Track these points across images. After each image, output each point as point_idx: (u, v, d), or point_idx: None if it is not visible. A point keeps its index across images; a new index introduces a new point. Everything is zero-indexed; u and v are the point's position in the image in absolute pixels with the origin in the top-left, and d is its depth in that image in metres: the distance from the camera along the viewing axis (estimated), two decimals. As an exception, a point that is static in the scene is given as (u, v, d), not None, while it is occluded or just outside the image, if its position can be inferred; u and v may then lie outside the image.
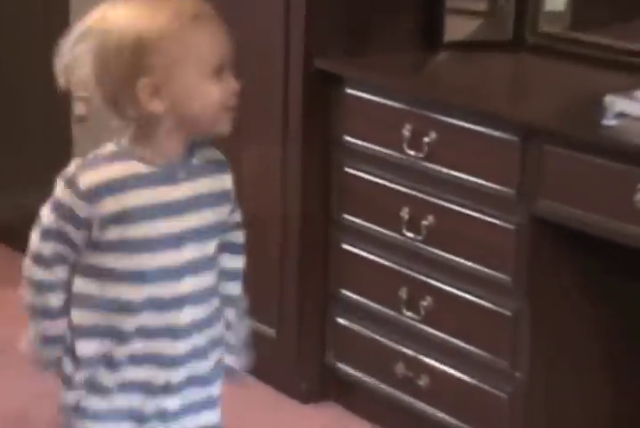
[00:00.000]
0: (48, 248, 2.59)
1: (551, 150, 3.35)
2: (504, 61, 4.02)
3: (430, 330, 3.78)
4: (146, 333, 2.59)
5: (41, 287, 2.64)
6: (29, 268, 2.62)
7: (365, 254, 4.00)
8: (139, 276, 2.59)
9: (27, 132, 5.27)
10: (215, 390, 2.79)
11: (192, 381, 2.69)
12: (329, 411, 4.10)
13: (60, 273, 2.62)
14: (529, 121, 3.42)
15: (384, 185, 3.85)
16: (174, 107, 2.49)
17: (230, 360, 2.85)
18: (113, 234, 2.55)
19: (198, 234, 2.64)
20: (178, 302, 2.60)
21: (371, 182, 3.87)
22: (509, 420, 3.58)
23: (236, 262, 2.81)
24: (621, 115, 3.28)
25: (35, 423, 4.00)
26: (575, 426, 3.66)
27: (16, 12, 5.22)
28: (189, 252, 2.61)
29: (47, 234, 2.58)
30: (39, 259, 2.61)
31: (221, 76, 2.51)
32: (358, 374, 4.04)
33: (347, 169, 3.99)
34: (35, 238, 2.60)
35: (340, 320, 4.12)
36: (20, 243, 3.50)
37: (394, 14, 4.00)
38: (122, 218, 2.54)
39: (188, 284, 2.61)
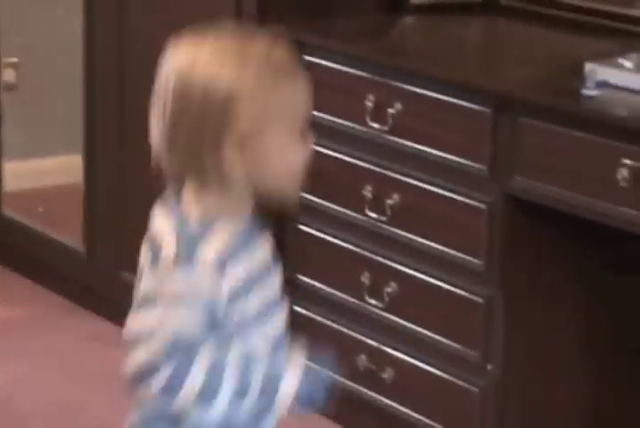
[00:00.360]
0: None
1: (526, 122, 3.31)
2: (475, 26, 3.98)
3: (395, 319, 3.68)
4: None
5: None
6: None
7: (324, 236, 3.89)
8: None
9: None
10: None
11: None
12: None
13: None
14: (503, 91, 3.40)
15: (345, 161, 3.78)
16: (258, 168, 2.32)
17: None
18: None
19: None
20: None
21: (330, 157, 3.78)
22: (480, 417, 3.54)
23: None
24: (603, 84, 3.25)
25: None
26: (552, 422, 3.61)
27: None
28: None
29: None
30: None
31: (304, 133, 2.35)
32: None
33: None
34: None
35: (297, 308, 3.91)
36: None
37: None
38: None
39: None
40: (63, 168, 4.62)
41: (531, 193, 3.35)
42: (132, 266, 4.24)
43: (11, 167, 4.74)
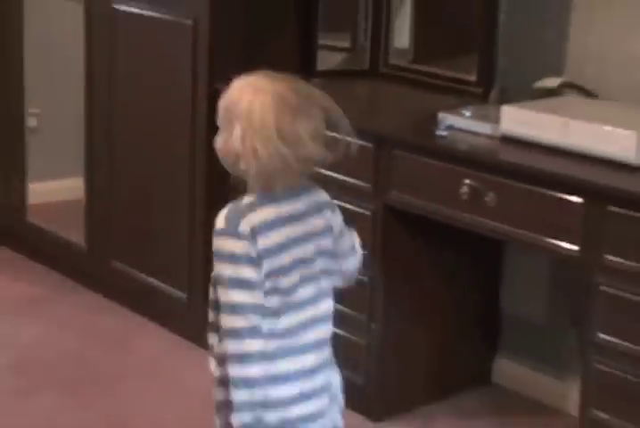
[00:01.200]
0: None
1: (398, 154, 3.43)
2: (362, 86, 4.01)
3: None
4: None
5: None
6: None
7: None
8: None
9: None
10: None
11: None
12: None
13: None
14: (381, 132, 3.48)
15: None
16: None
17: None
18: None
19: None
20: None
21: None
22: (365, 363, 3.64)
23: None
24: (450, 127, 3.38)
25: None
26: (421, 366, 3.74)
27: None
28: None
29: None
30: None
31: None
32: None
33: None
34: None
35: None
36: None
37: (278, 50, 3.99)
38: None
39: None
40: (71, 187, 4.69)
41: (402, 204, 3.46)
42: (121, 256, 4.42)
43: (33, 186, 4.80)
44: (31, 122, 4.75)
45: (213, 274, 2.50)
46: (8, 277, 4.69)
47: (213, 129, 3.81)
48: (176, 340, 4.19)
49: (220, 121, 2.55)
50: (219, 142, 2.54)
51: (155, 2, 4.03)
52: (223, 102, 2.55)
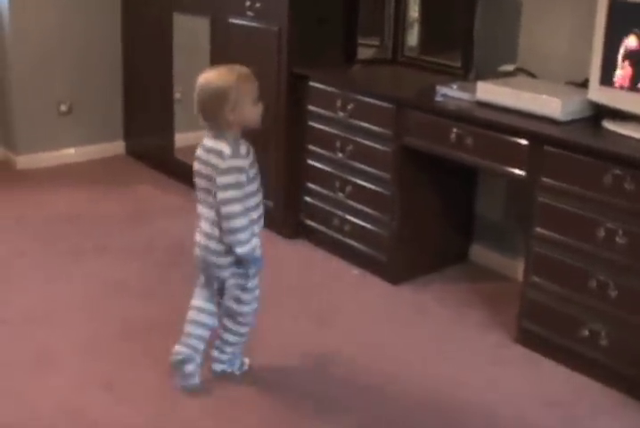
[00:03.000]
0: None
1: (410, 112, 3.38)
2: (387, 70, 3.90)
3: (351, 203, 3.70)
4: None
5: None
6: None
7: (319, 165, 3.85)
8: None
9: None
10: None
11: None
12: (299, 244, 4.02)
13: None
14: (399, 98, 3.43)
15: (327, 131, 3.73)
16: (239, 118, 2.64)
17: None
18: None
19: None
20: None
21: (321, 130, 3.78)
22: (387, 247, 3.61)
23: None
24: (444, 95, 3.35)
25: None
26: (422, 250, 3.69)
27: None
28: None
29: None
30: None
31: (257, 102, 2.68)
32: (315, 225, 3.94)
33: (310, 123, 3.83)
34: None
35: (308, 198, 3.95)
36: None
37: (332, 47, 3.94)
38: None
39: None
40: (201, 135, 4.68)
41: (413, 145, 3.40)
42: None
43: (178, 135, 4.75)
44: (177, 95, 4.69)
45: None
46: (164, 192, 4.64)
47: (291, 96, 3.87)
48: (266, 233, 4.02)
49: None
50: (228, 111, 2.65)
51: (254, 17, 3.96)
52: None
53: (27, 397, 2.77)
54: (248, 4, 3.97)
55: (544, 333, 3.09)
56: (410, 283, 3.67)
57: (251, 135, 4.12)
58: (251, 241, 2.71)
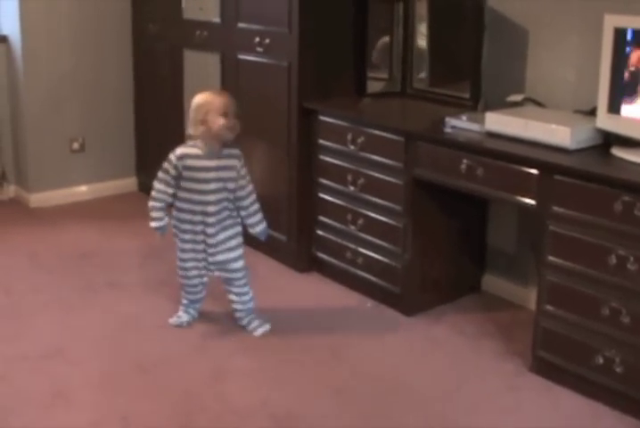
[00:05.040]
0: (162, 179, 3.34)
1: (420, 144, 3.40)
2: (396, 102, 3.94)
3: (363, 235, 3.71)
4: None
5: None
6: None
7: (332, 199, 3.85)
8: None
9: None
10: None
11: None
12: (312, 277, 4.04)
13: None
14: (409, 130, 3.45)
15: (338, 164, 3.75)
16: (207, 128, 3.26)
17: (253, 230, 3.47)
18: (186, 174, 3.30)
19: (219, 181, 3.32)
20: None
21: (332, 163, 3.79)
22: (400, 279, 3.61)
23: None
24: (453, 127, 3.37)
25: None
26: (436, 281, 3.70)
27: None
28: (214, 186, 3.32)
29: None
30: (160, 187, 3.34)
31: (225, 116, 3.25)
32: (327, 258, 3.93)
33: (321, 157, 3.86)
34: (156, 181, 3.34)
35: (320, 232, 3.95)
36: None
37: (341, 81, 3.97)
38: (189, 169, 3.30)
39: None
40: None
41: (423, 177, 3.41)
42: None
43: None
44: (188, 132, 4.71)
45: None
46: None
47: (302, 131, 3.90)
48: (278, 266, 4.18)
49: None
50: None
51: (263, 53, 4.01)
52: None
53: (43, 432, 2.79)
54: (257, 40, 4.02)
55: (558, 361, 3.09)
56: (424, 315, 3.68)
57: (262, 170, 4.18)
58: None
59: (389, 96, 4.01)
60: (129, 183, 5.31)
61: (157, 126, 5.02)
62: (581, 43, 3.41)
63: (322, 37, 3.87)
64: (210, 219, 3.34)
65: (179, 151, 3.30)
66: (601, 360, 2.93)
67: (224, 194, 3.34)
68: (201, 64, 4.55)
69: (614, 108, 2.98)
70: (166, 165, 3.33)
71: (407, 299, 3.67)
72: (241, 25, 4.14)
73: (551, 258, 3.03)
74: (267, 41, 3.97)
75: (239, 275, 3.44)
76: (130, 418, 2.86)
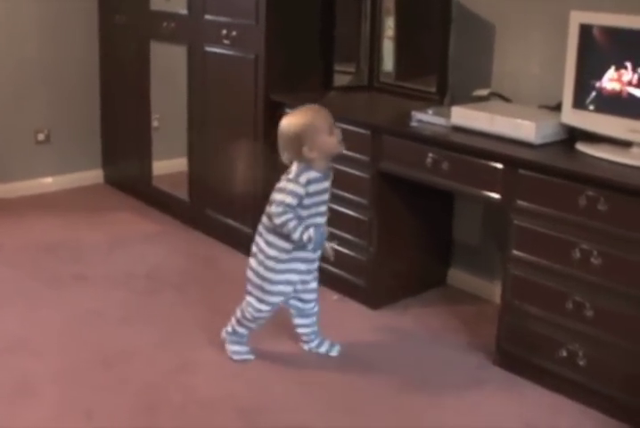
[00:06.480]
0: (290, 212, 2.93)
1: (386, 138, 3.40)
2: (363, 96, 3.95)
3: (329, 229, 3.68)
4: None
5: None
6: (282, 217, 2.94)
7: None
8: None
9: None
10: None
11: None
12: None
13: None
14: (375, 124, 3.45)
15: None
16: (320, 152, 2.93)
17: None
18: (307, 201, 2.95)
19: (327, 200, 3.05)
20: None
21: None
22: (366, 272, 3.61)
23: None
24: (419, 121, 3.37)
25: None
26: (401, 274, 3.70)
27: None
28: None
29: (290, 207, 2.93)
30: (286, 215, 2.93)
31: (332, 132, 2.96)
32: None
33: None
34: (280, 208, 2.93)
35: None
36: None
37: (308, 74, 3.96)
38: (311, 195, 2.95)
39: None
40: (179, 164, 4.57)
41: (389, 170, 3.41)
42: (210, 206, 4.22)
43: (156, 164, 4.77)
44: (155, 123, 4.72)
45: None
46: (142, 220, 4.67)
47: (266, 121, 3.88)
48: (244, 259, 4.04)
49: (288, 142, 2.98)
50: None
51: (230, 45, 3.99)
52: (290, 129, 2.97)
53: (6, 426, 2.75)
54: (224, 32, 3.99)
55: (522, 354, 3.10)
56: (389, 308, 3.67)
57: (229, 162, 4.15)
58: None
59: (356, 90, 4.01)
60: (95, 175, 5.27)
61: (123, 117, 4.98)
62: (547, 38, 3.42)
63: (289, 29, 3.86)
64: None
65: (304, 177, 2.95)
66: (564, 353, 2.94)
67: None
68: (167, 56, 4.52)
69: (579, 103, 2.98)
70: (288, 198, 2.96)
71: (373, 292, 3.67)
72: (208, 17, 4.12)
73: (515, 252, 3.03)
74: (235, 33, 3.95)
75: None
76: (94, 412, 2.83)
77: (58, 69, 5.01)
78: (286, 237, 2.99)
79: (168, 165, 4.80)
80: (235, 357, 3.19)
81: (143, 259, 4.12)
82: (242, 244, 4.18)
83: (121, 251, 4.22)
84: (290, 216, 2.93)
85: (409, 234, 3.71)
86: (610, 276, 2.76)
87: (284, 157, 2.99)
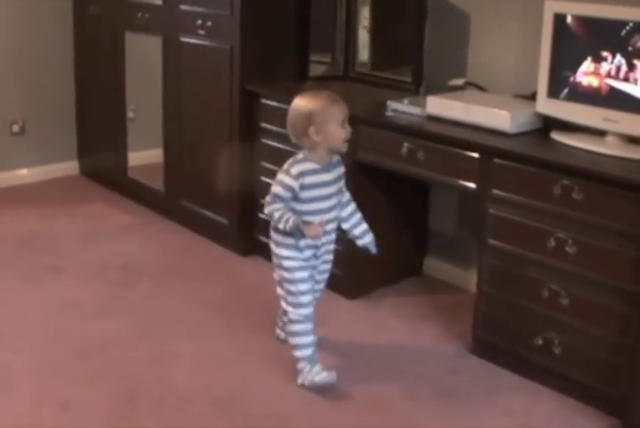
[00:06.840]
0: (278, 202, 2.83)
1: (362, 127, 3.37)
2: (338, 86, 3.89)
3: None
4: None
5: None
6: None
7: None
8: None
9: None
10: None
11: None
12: (254, 260, 3.98)
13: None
14: (351, 113, 3.16)
15: (280, 148, 3.66)
16: (325, 139, 2.83)
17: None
18: (304, 194, 2.85)
19: (335, 194, 2.96)
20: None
21: (274, 147, 3.75)
22: (342, 261, 3.53)
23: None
24: (395, 110, 3.38)
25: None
26: (378, 264, 3.58)
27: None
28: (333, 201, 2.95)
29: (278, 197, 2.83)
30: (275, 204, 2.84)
31: (343, 126, 2.85)
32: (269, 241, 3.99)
33: (263, 140, 3.84)
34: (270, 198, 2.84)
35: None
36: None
37: (283, 64, 3.94)
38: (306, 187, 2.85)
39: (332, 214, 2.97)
40: (155, 155, 4.54)
41: (366, 160, 3.41)
42: (186, 196, 4.23)
43: (131, 155, 4.75)
44: (130, 114, 4.70)
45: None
46: (118, 211, 4.65)
47: (244, 114, 3.88)
48: (220, 250, 4.16)
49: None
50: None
51: (205, 35, 3.98)
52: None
53: (-18, 418, 2.74)
54: (199, 22, 3.98)
55: (499, 342, 3.11)
56: (365, 298, 3.68)
57: (204, 153, 4.15)
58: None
59: (332, 80, 4.00)
60: (70, 166, 5.25)
61: (98, 109, 4.95)
62: (522, 28, 3.42)
63: (264, 19, 3.85)
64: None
65: (295, 168, 2.86)
66: (540, 342, 2.95)
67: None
68: (142, 47, 4.50)
69: (554, 93, 2.99)
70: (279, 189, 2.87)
71: (349, 282, 3.66)
72: (183, 7, 4.11)
73: (491, 241, 3.04)
74: (210, 23, 3.93)
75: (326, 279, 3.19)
76: (70, 403, 2.82)
77: (32, 60, 4.98)
78: (284, 233, 2.90)
79: (144, 156, 4.77)
80: (327, 379, 2.96)
81: (118, 250, 4.11)
82: (218, 235, 4.20)
83: (97, 242, 4.21)
84: (276, 206, 2.84)
85: (385, 224, 3.69)
86: (585, 265, 2.77)
87: (292, 138, 2.91)
